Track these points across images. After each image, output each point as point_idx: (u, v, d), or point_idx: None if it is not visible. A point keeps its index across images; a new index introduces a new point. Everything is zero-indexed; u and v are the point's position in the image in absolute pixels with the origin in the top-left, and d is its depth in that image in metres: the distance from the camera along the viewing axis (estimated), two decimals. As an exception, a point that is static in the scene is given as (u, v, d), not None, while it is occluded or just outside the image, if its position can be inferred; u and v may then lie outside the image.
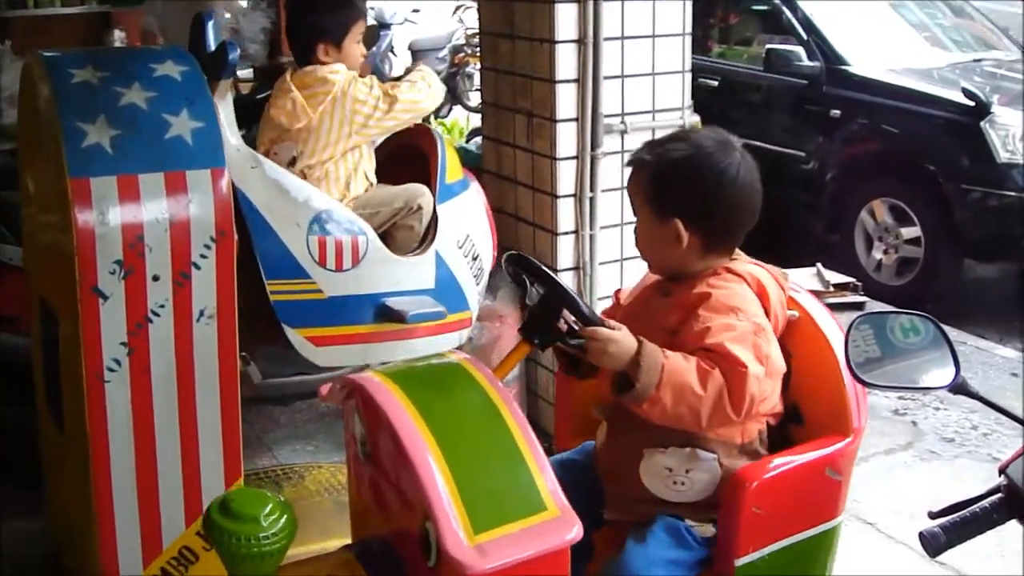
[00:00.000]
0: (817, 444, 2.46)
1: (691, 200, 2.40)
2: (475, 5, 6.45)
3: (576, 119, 4.17)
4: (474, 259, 3.91)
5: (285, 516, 2.00)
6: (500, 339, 4.25)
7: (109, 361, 2.94)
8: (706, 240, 2.42)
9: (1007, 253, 6.79)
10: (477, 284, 3.95)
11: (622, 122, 4.24)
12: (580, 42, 4.10)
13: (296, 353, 3.59)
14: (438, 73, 12.76)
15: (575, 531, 2.04)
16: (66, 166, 2.86)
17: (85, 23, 8.15)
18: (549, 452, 2.32)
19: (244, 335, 3.18)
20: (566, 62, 4.12)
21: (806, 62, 7.36)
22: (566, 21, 4.08)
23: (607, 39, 4.12)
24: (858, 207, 7.02)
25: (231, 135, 3.29)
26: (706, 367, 2.22)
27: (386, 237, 3.77)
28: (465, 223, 3.92)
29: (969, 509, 1.90)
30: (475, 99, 11.70)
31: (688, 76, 4.40)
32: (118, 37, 8.21)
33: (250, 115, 4.12)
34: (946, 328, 2.17)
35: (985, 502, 1.90)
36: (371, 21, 11.02)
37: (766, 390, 2.29)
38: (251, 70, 7.00)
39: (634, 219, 2.53)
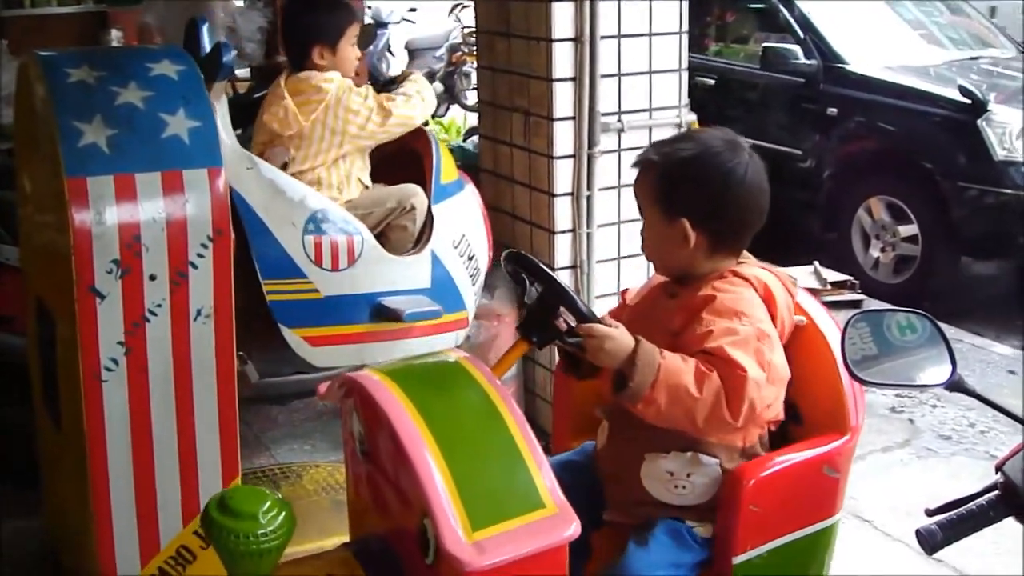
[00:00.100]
0: (815, 442, 2.46)
1: (699, 200, 2.38)
2: (472, 4, 6.45)
3: (573, 117, 4.17)
4: (470, 259, 3.91)
5: (283, 513, 2.00)
6: (498, 338, 4.25)
7: (106, 361, 2.94)
8: (713, 240, 2.40)
9: (1004, 251, 6.80)
10: (473, 284, 3.95)
11: (619, 120, 4.24)
12: (577, 40, 4.10)
13: (293, 352, 3.60)
14: (435, 72, 12.85)
15: (573, 528, 2.04)
16: (63, 165, 2.86)
17: (82, 22, 8.15)
18: (547, 451, 2.33)
19: (241, 334, 3.18)
20: (563, 60, 4.12)
21: (803, 60, 7.37)
22: (563, 19, 4.08)
23: (604, 37, 4.12)
24: (855, 205, 7.03)
25: (226, 136, 3.28)
26: (704, 370, 2.21)
27: (381, 238, 3.78)
28: (461, 223, 3.92)
29: (966, 506, 1.90)
30: (472, 98, 11.70)
31: (685, 74, 4.40)
32: (115, 36, 8.20)
33: (247, 115, 4.12)
34: (943, 326, 2.17)
35: (982, 499, 1.90)
36: (368, 20, 11.03)
37: (767, 396, 2.27)
38: (248, 69, 7.00)
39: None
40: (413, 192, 3.88)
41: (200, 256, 3.00)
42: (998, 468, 1.91)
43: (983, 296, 7.22)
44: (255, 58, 7.09)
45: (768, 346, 2.28)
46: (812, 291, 6.05)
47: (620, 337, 2.27)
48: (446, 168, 4.02)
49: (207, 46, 3.43)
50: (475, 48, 5.36)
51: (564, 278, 4.18)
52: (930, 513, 1.94)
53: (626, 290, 2.71)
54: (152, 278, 2.96)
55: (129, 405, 3.00)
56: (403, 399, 2.17)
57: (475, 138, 6.41)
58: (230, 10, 7.94)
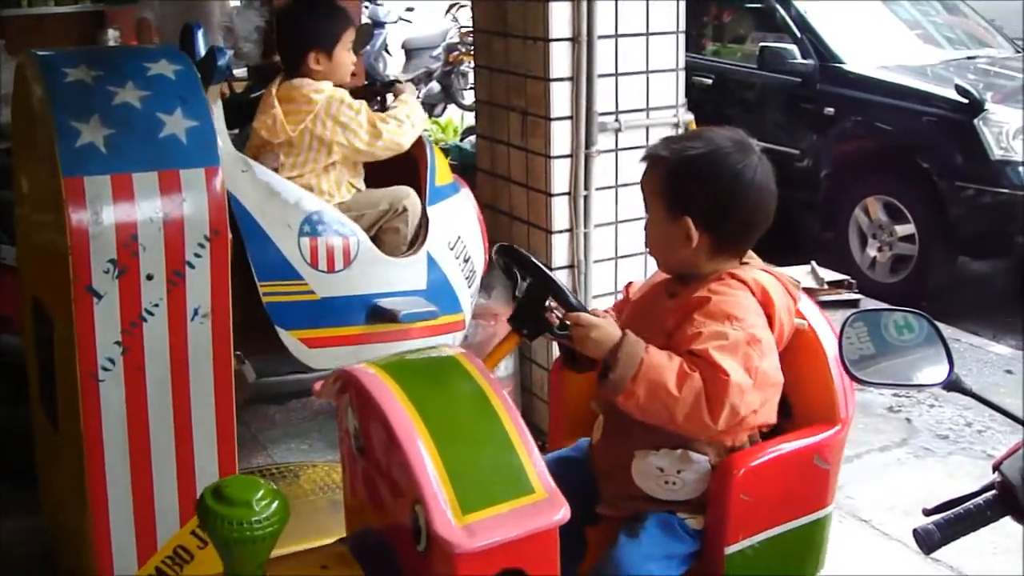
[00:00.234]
0: (805, 433, 2.48)
1: (704, 199, 2.37)
2: (468, 4, 6.45)
3: (570, 117, 4.17)
4: (466, 261, 3.92)
5: (277, 502, 2.01)
6: (495, 337, 4.25)
7: (103, 360, 2.94)
8: (716, 241, 2.39)
9: (1001, 250, 6.81)
10: (469, 287, 3.96)
11: (616, 120, 4.24)
12: (574, 40, 4.10)
13: (290, 352, 3.60)
14: (432, 72, 12.84)
15: (562, 512, 2.06)
16: (60, 165, 2.86)
17: (79, 22, 8.14)
18: (543, 450, 2.33)
19: (238, 334, 3.18)
20: (560, 60, 4.12)
21: (800, 60, 7.37)
22: (560, 19, 4.07)
23: (601, 37, 4.12)
24: (852, 204, 7.03)
25: (221, 139, 3.28)
26: (687, 370, 2.21)
27: (374, 240, 3.78)
28: (456, 225, 3.93)
29: (963, 506, 1.90)
30: (469, 97, 11.70)
31: (682, 74, 4.40)
32: (112, 36, 8.20)
33: (244, 115, 4.12)
34: (940, 325, 2.17)
35: (979, 499, 1.90)
36: (365, 20, 11.02)
37: (752, 402, 2.25)
38: (245, 69, 6.99)
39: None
40: (405, 194, 3.89)
41: (197, 256, 3.00)
42: (995, 467, 1.91)
43: (980, 295, 7.23)
44: (252, 58, 7.08)
45: (758, 352, 2.27)
46: (808, 291, 6.06)
47: (606, 327, 2.29)
48: (441, 171, 4.04)
49: (202, 50, 3.44)
50: (472, 48, 5.36)
51: (562, 278, 4.18)
52: (927, 512, 1.95)
53: (630, 283, 2.71)
54: (149, 278, 2.95)
55: (126, 405, 3.00)
56: (396, 389, 2.19)
57: (472, 138, 6.41)
58: (227, 10, 7.94)
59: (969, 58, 7.73)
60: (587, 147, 4.18)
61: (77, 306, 2.88)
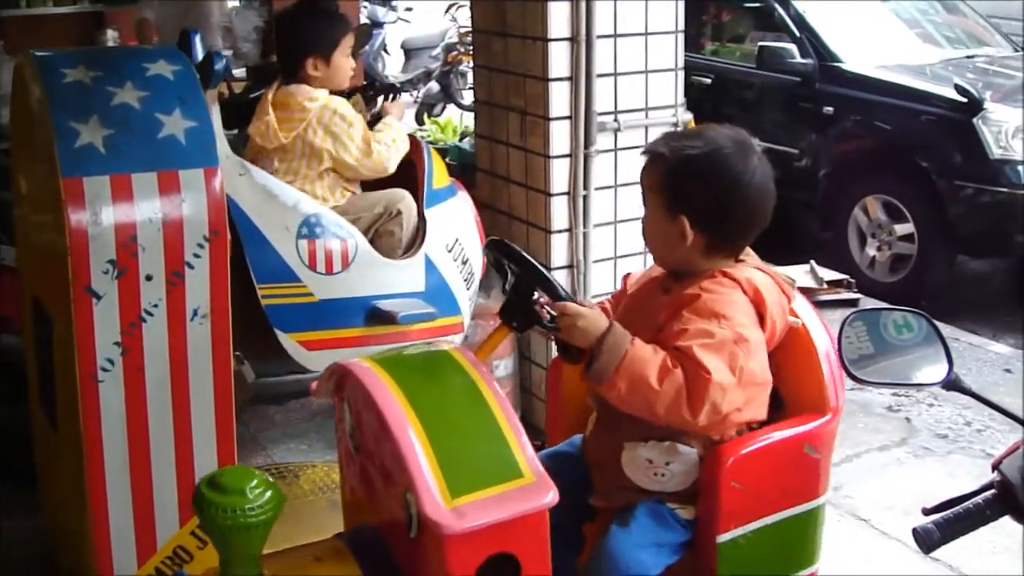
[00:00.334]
0: (795, 421, 2.49)
1: (702, 199, 2.37)
2: (468, 3, 6.45)
3: (569, 117, 4.17)
4: (464, 263, 3.92)
5: (271, 491, 2.04)
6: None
7: (103, 361, 2.94)
8: (712, 240, 2.40)
9: (1000, 249, 6.80)
10: (468, 289, 3.97)
11: (615, 120, 4.24)
12: (573, 40, 4.10)
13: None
14: (431, 72, 12.85)
15: (551, 496, 2.08)
16: (59, 166, 2.86)
17: (78, 22, 8.14)
18: (541, 449, 2.35)
19: (238, 334, 3.18)
20: (559, 60, 4.12)
21: (799, 59, 7.37)
22: (559, 19, 4.07)
23: (600, 37, 4.12)
24: (851, 204, 7.03)
25: (219, 143, 3.29)
26: (669, 365, 2.23)
27: (370, 244, 3.79)
28: (454, 228, 3.94)
29: (962, 505, 1.91)
30: (468, 97, 11.70)
31: (681, 74, 4.40)
32: (111, 36, 8.20)
33: (242, 115, 4.13)
34: (939, 324, 2.17)
35: (978, 498, 1.90)
36: (364, 20, 11.02)
37: (735, 400, 2.27)
38: (244, 69, 6.99)
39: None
40: (400, 197, 3.91)
41: (196, 256, 3.00)
42: (995, 467, 1.91)
43: (979, 294, 7.23)
44: (251, 58, 7.09)
45: (745, 351, 2.28)
46: (806, 290, 6.06)
47: (593, 317, 2.32)
48: (438, 174, 4.06)
49: (199, 55, 3.45)
50: (471, 47, 5.36)
51: (561, 278, 4.18)
52: (927, 512, 1.95)
53: (628, 275, 2.72)
54: (148, 278, 2.96)
55: (125, 405, 3.00)
56: (389, 381, 2.22)
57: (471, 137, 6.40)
58: (226, 10, 7.94)
59: (968, 57, 7.72)
60: (586, 147, 4.18)
61: (76, 307, 2.88)
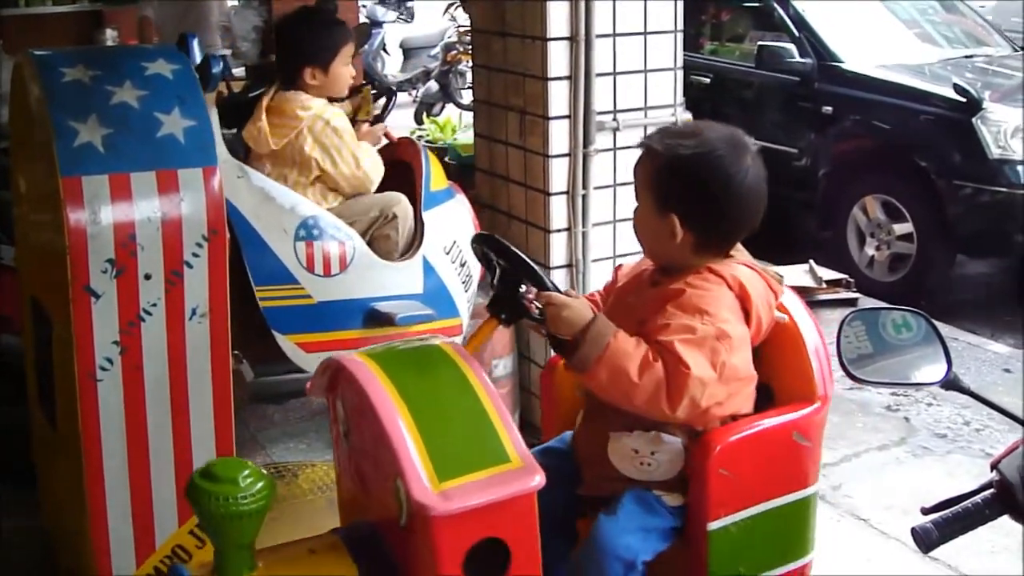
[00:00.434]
0: (783, 410, 2.51)
1: (693, 200, 2.39)
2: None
3: (568, 116, 4.17)
4: (462, 266, 3.93)
5: (263, 480, 2.07)
6: (493, 336, 4.25)
7: (101, 360, 2.94)
8: (701, 239, 2.41)
9: (999, 249, 6.81)
10: (466, 291, 3.97)
11: (614, 119, 4.24)
12: (572, 39, 4.10)
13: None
14: (430, 71, 12.87)
15: (537, 479, 2.12)
16: (57, 165, 2.86)
17: (77, 22, 8.16)
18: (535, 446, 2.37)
19: (236, 334, 3.18)
20: (558, 59, 4.11)
21: (798, 59, 7.37)
22: (558, 18, 4.07)
23: (599, 36, 4.11)
24: (850, 203, 7.03)
25: (216, 146, 3.29)
26: (650, 359, 2.26)
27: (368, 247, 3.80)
28: (451, 230, 3.94)
29: (961, 505, 1.91)
30: (467, 97, 11.70)
31: (680, 73, 4.40)
32: (110, 36, 8.20)
33: (241, 114, 4.13)
34: (938, 324, 2.17)
35: (977, 498, 1.90)
36: (363, 19, 11.02)
37: (716, 394, 2.29)
38: (243, 68, 7.00)
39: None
40: (396, 201, 3.92)
41: (195, 255, 3.00)
42: (993, 466, 1.91)
43: (978, 294, 7.23)
44: (250, 57, 7.09)
45: (727, 346, 2.30)
46: (807, 289, 6.07)
47: (578, 307, 2.34)
48: (435, 176, 4.07)
49: (197, 58, 3.45)
50: (470, 47, 5.36)
51: (560, 277, 4.18)
52: (926, 511, 1.95)
53: (620, 266, 2.74)
54: (147, 277, 2.95)
55: (124, 404, 3.00)
56: (379, 373, 2.26)
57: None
58: (225, 9, 7.94)
59: (967, 57, 7.73)
60: (585, 146, 4.18)
61: (75, 306, 2.88)
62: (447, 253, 3.90)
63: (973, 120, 6.45)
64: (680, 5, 4.33)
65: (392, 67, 13.85)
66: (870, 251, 6.95)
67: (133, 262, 2.93)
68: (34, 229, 3.31)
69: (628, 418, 2.37)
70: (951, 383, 2.04)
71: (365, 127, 4.30)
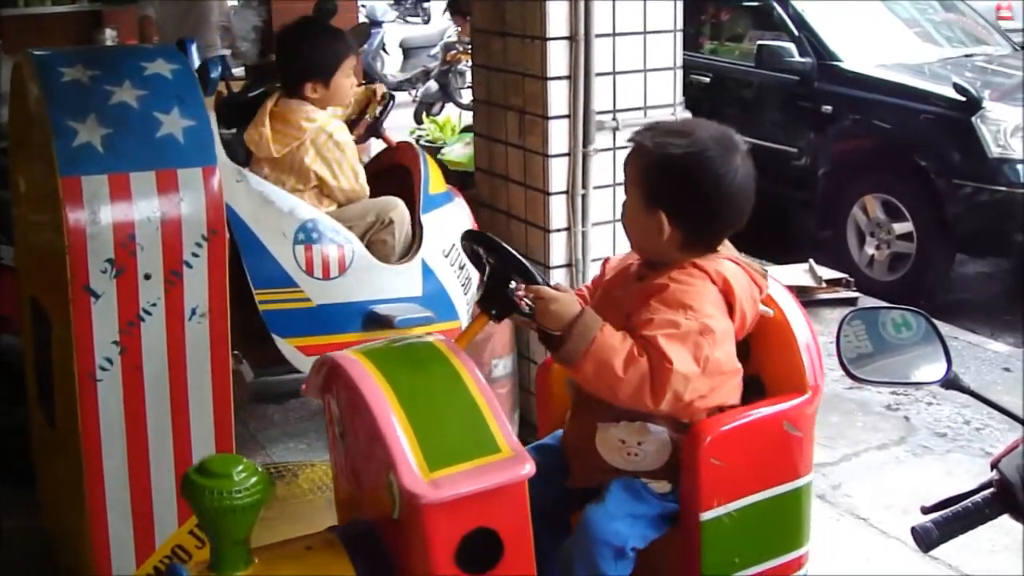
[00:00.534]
0: (773, 400, 2.54)
1: (682, 198, 2.41)
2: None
3: (568, 116, 4.17)
4: (461, 268, 3.94)
5: (257, 476, 2.09)
6: (492, 336, 4.25)
7: (101, 360, 2.94)
8: (688, 237, 2.43)
9: (999, 248, 6.81)
10: (465, 293, 3.98)
11: (614, 119, 4.23)
12: (572, 39, 4.09)
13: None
14: (430, 71, 12.88)
15: (528, 468, 2.14)
16: (57, 165, 2.86)
17: (76, 21, 8.16)
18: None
19: (236, 334, 3.18)
20: (558, 59, 4.11)
21: (797, 58, 7.37)
22: (557, 18, 4.07)
23: (599, 36, 4.11)
24: (850, 203, 7.03)
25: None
26: (635, 354, 2.28)
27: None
28: (450, 233, 3.94)
29: (961, 504, 1.90)
30: (467, 96, 11.69)
31: (680, 72, 4.39)
32: (109, 36, 8.21)
33: (241, 114, 4.14)
34: (938, 323, 2.17)
35: (977, 497, 1.90)
36: (362, 18, 11.02)
37: (699, 388, 2.32)
38: (243, 68, 7.00)
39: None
40: (392, 205, 3.93)
41: (195, 255, 3.00)
42: (993, 465, 1.91)
43: (978, 293, 7.23)
44: (250, 57, 7.10)
45: (710, 341, 2.32)
46: (807, 289, 6.06)
47: (566, 301, 2.36)
48: (434, 180, 4.09)
49: (195, 63, 3.46)
50: (470, 47, 5.36)
51: (559, 276, 4.18)
52: (926, 511, 1.95)
53: (607, 259, 2.76)
54: (147, 277, 2.95)
55: (124, 404, 3.00)
56: (372, 368, 2.28)
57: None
58: (225, 9, 7.95)
59: (967, 56, 7.73)
60: (585, 146, 4.18)
61: (75, 306, 2.88)
62: (446, 256, 3.91)
63: (973, 119, 6.45)
64: (680, 4, 4.32)
65: (392, 67, 13.86)
66: (870, 250, 6.96)
67: (133, 262, 2.93)
68: (33, 229, 3.31)
69: (615, 409, 2.40)
70: (951, 382, 2.04)
71: (363, 124, 4.33)
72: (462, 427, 2.21)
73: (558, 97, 4.15)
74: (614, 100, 4.23)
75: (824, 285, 6.37)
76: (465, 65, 12.16)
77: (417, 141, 8.53)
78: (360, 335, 3.67)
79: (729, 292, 2.41)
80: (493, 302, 2.49)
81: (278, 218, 3.58)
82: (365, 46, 11.59)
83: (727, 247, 2.51)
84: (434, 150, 6.51)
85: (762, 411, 2.50)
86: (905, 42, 7.83)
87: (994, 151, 6.40)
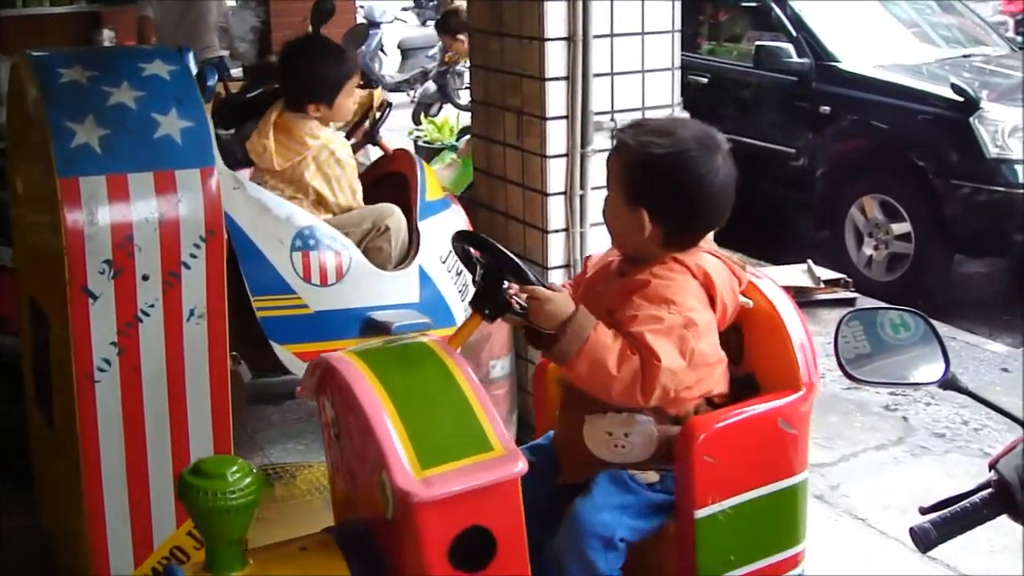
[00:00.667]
0: (768, 397, 2.54)
1: (663, 197, 2.43)
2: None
3: (566, 117, 4.16)
4: (458, 274, 3.94)
5: (251, 476, 2.10)
6: (491, 337, 4.25)
7: (99, 361, 2.94)
8: (669, 234, 2.46)
9: (997, 248, 6.82)
10: (462, 299, 3.99)
11: (612, 119, 4.23)
12: (569, 39, 4.09)
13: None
14: (428, 72, 12.88)
15: (520, 466, 2.16)
16: (55, 166, 2.86)
17: (74, 22, 8.16)
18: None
19: (234, 335, 3.18)
20: (556, 60, 4.11)
21: (795, 59, 7.38)
22: (555, 18, 4.07)
23: (596, 36, 4.11)
24: (848, 203, 7.03)
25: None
26: (628, 352, 2.31)
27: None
28: (447, 240, 3.95)
29: (960, 504, 1.91)
30: (465, 97, 11.69)
31: (678, 73, 4.39)
32: (107, 36, 8.21)
33: (240, 115, 4.15)
34: (936, 324, 2.17)
35: (975, 497, 1.90)
36: (360, 19, 11.02)
37: (686, 380, 2.36)
38: (241, 69, 7.00)
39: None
40: (388, 212, 3.95)
41: (193, 256, 3.00)
42: (992, 466, 1.91)
43: (976, 294, 7.23)
44: (248, 58, 7.10)
45: (694, 334, 2.36)
46: (805, 289, 6.06)
47: (560, 300, 2.38)
48: (431, 186, 4.11)
49: (193, 70, 3.46)
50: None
51: (557, 277, 4.18)
52: (924, 511, 1.95)
53: (589, 256, 2.78)
54: (145, 278, 2.95)
55: (122, 405, 2.99)
56: (365, 369, 2.30)
57: (467, 137, 6.40)
58: (223, 10, 7.95)
59: (965, 56, 7.73)
60: (583, 146, 4.17)
61: (73, 307, 2.88)
62: (443, 262, 3.92)
63: (971, 120, 6.46)
64: (678, 5, 4.32)
65: (390, 67, 13.86)
66: (868, 251, 6.96)
67: (131, 263, 2.93)
68: (31, 230, 3.30)
69: (601, 401, 2.42)
70: (949, 383, 2.05)
71: (361, 131, 4.35)
72: (454, 426, 2.23)
73: (556, 98, 4.14)
74: (612, 101, 4.23)
75: (822, 285, 6.37)
76: (463, 66, 12.17)
77: (415, 142, 8.54)
78: (358, 341, 3.68)
79: (710, 285, 2.45)
80: (486, 302, 2.49)
81: (275, 225, 3.59)
82: (363, 47, 11.59)
83: (706, 241, 2.54)
84: (433, 151, 6.51)
85: (756, 408, 2.51)
86: (903, 43, 7.84)
87: (992, 151, 6.40)
